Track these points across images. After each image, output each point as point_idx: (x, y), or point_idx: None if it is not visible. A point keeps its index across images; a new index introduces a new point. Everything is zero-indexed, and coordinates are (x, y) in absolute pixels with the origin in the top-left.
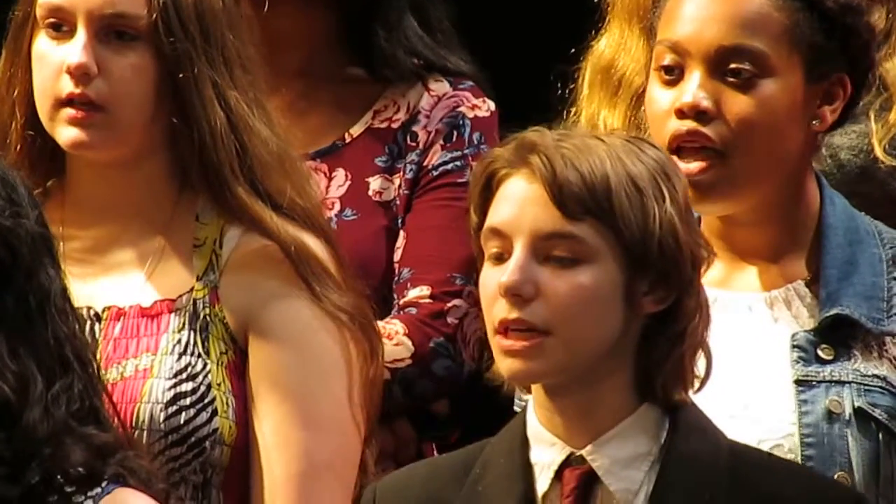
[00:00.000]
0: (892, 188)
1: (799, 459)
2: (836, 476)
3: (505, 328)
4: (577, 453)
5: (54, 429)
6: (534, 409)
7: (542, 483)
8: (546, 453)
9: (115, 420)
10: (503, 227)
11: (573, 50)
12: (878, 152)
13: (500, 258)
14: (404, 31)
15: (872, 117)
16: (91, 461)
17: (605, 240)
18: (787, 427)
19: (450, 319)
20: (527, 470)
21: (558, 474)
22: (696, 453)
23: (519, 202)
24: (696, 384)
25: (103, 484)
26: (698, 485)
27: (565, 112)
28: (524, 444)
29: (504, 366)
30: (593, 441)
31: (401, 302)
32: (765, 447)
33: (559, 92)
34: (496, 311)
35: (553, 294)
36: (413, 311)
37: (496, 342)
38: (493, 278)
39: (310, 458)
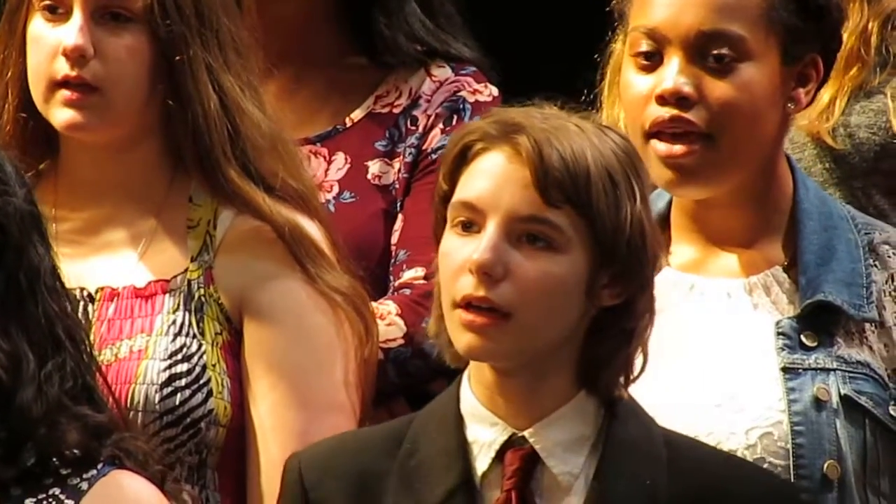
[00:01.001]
0: None
1: (789, 448)
2: (826, 465)
3: (467, 304)
4: (519, 434)
5: (48, 408)
6: (470, 387)
7: (482, 463)
8: (486, 433)
9: (111, 401)
10: (478, 201)
11: (596, 55)
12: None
13: (467, 228)
14: (405, 16)
15: (889, 94)
16: (87, 442)
17: (578, 230)
18: (775, 415)
19: None
20: (464, 448)
21: (499, 455)
22: (634, 440)
23: (497, 179)
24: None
25: (98, 466)
26: (638, 469)
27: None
28: (459, 421)
29: (462, 340)
30: (534, 423)
31: (396, 283)
32: (753, 436)
33: (584, 97)
34: (461, 285)
35: (522, 278)
36: (407, 291)
37: (456, 315)
38: (459, 251)
39: (306, 438)
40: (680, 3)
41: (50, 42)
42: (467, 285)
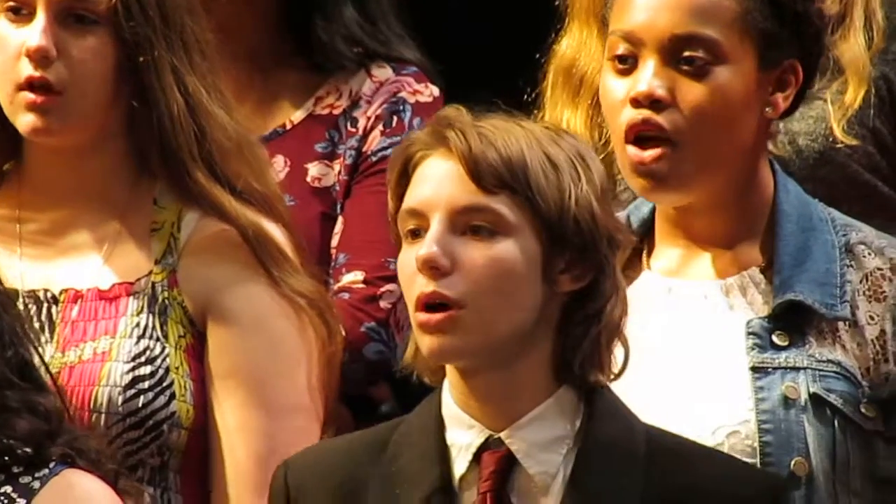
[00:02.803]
0: (853, 170)
1: (756, 446)
2: (793, 462)
3: (423, 304)
4: (496, 436)
5: None
6: (450, 390)
7: (460, 465)
8: (464, 436)
9: (61, 402)
10: (420, 205)
11: (538, 55)
12: (837, 132)
13: (417, 235)
14: (344, 20)
15: (829, 100)
16: (36, 432)
17: (522, 214)
18: (743, 413)
19: (382, 304)
20: (443, 452)
21: (476, 457)
22: (613, 438)
23: (436, 180)
24: (615, 373)
25: (51, 465)
26: (616, 469)
27: (532, 116)
28: (440, 424)
29: (423, 343)
30: (511, 424)
31: (335, 287)
32: (721, 434)
33: (525, 97)
34: (415, 287)
35: (470, 266)
36: (346, 296)
37: (415, 318)
38: (410, 255)
39: (271, 441)
40: (655, 6)
41: (13, 43)
42: (420, 285)
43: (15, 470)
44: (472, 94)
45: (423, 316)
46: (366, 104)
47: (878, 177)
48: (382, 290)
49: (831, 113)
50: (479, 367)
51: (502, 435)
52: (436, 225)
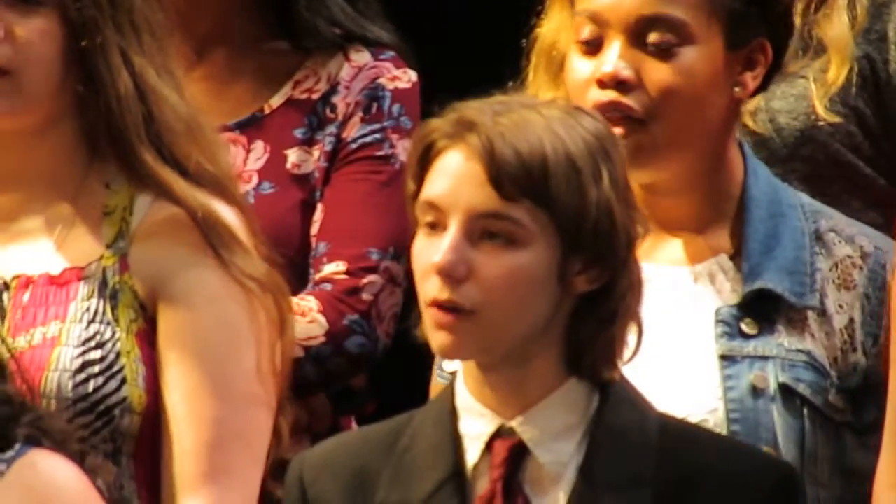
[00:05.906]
0: (834, 149)
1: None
2: None
3: (436, 305)
4: (508, 425)
5: None
6: (464, 380)
7: (472, 454)
8: (476, 424)
9: (23, 386)
10: (438, 200)
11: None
12: (820, 110)
13: (434, 227)
14: (325, 0)
15: (812, 78)
16: (1, 415)
17: (540, 222)
18: (712, 402)
19: (364, 296)
20: (456, 441)
21: (488, 445)
22: (625, 426)
23: (455, 177)
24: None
25: (16, 447)
26: (627, 457)
27: None
28: (453, 414)
29: (434, 340)
30: (523, 413)
31: (316, 277)
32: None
33: (510, 82)
34: (429, 287)
35: (486, 276)
36: (328, 287)
37: (429, 314)
38: (425, 252)
39: (219, 427)
40: None
41: None
42: (434, 287)
43: None
44: (453, 77)
45: (436, 314)
46: (344, 90)
47: (859, 157)
48: (364, 281)
49: (814, 91)
50: (491, 362)
51: (514, 423)
52: (454, 230)
